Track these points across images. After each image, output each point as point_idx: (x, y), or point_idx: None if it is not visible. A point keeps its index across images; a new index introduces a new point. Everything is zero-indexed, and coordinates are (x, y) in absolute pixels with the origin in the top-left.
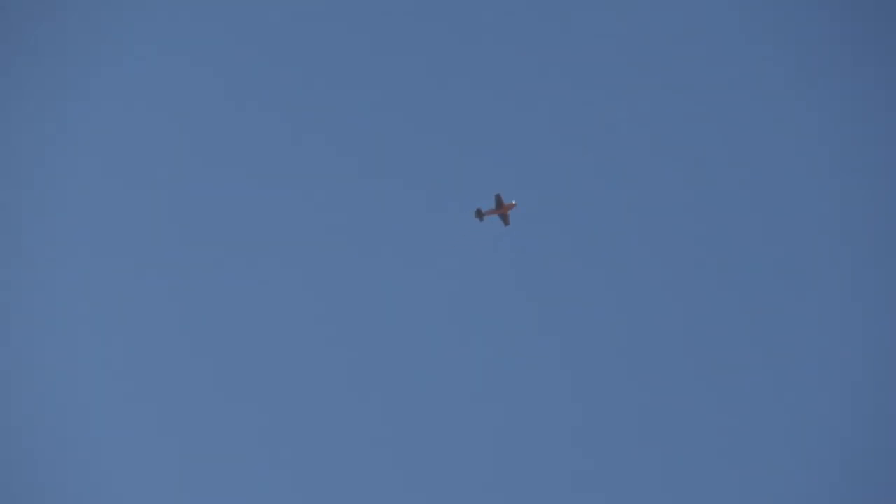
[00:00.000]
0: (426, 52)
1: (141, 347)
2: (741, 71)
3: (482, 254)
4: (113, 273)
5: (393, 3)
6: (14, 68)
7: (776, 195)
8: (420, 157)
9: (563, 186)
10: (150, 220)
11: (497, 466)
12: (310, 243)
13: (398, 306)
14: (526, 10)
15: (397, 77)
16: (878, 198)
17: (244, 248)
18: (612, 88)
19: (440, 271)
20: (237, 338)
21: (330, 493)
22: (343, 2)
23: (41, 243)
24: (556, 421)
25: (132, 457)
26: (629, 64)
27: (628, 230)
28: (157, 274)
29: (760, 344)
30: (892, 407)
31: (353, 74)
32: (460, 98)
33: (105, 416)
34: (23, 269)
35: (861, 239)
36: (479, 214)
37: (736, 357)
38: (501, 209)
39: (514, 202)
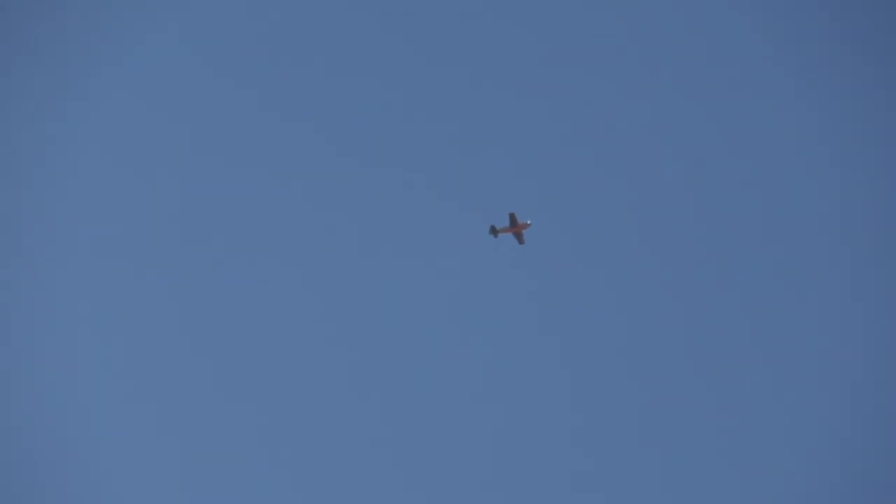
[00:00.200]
0: (427, 52)
1: (140, 347)
2: (742, 71)
3: (483, 253)
4: (113, 273)
5: (394, 3)
6: (14, 68)
7: (776, 195)
8: (420, 157)
9: (564, 186)
10: (149, 219)
11: (498, 466)
12: (310, 243)
13: (399, 306)
14: (526, 9)
15: (398, 77)
16: (878, 198)
17: (244, 248)
18: (612, 88)
19: (441, 271)
20: (237, 338)
21: (330, 493)
22: (347, 1)
23: (41, 243)
24: (557, 421)
25: (132, 457)
26: (630, 64)
27: (629, 230)
28: (156, 274)
29: (760, 344)
30: (892, 407)
31: (357, 74)
32: (461, 97)
33: (105, 415)
34: (23, 269)
35: (861, 239)
36: (494, 232)
37: (736, 357)
38: (516, 228)
39: (528, 222)
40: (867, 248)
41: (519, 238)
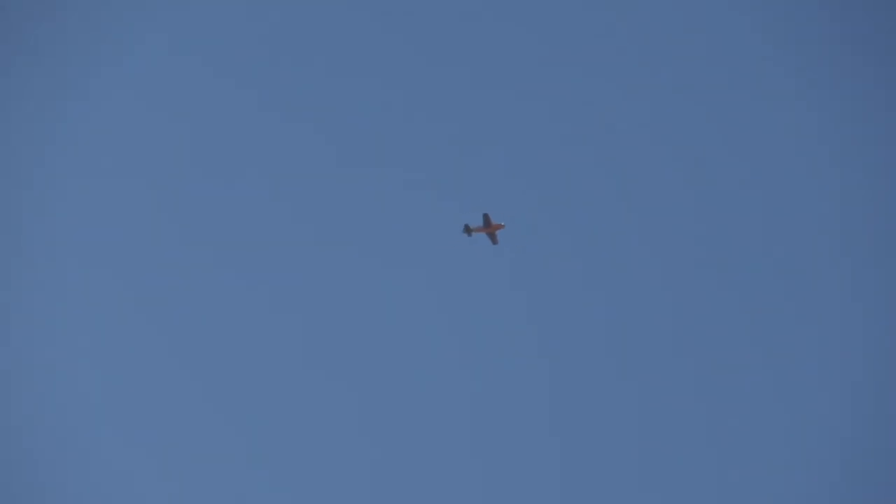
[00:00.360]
0: (425, 51)
1: (141, 347)
2: (742, 71)
3: (482, 254)
4: (113, 273)
5: (391, 2)
6: (14, 68)
7: (776, 195)
8: (419, 157)
9: (563, 186)
10: (150, 220)
11: (494, 468)
12: (308, 244)
13: (398, 306)
14: (526, 9)
15: (397, 77)
16: (878, 198)
17: (244, 249)
18: (611, 88)
19: (437, 271)
20: (237, 338)
21: (330, 493)
22: (345, 1)
23: (41, 243)
24: (556, 421)
25: (132, 457)
26: (629, 63)
27: (628, 230)
28: (157, 274)
29: (760, 344)
30: (892, 407)
31: (357, 74)
32: (459, 97)
33: (105, 416)
34: (23, 269)
35: (861, 239)
36: (468, 230)
37: (736, 357)
38: (489, 228)
39: (502, 224)
40: (867, 248)
41: (493, 238)
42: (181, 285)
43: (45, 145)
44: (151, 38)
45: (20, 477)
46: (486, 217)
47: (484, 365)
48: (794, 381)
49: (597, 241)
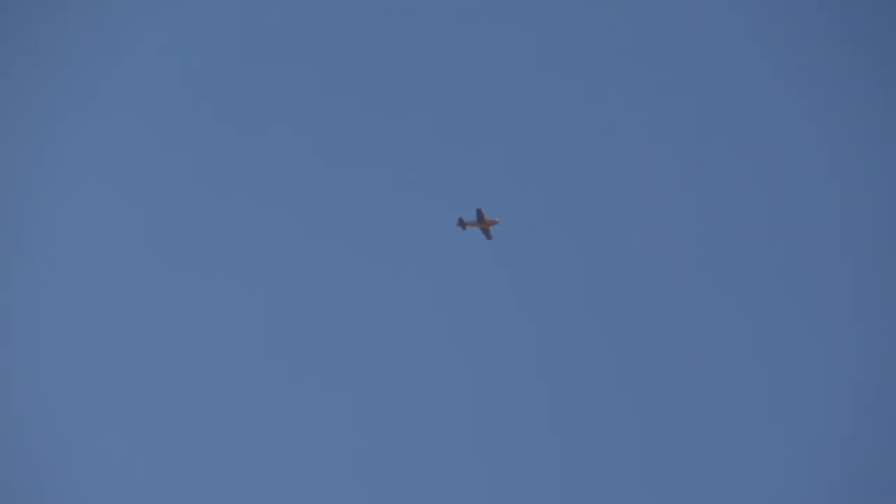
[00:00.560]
0: (420, 50)
1: (141, 347)
2: (741, 71)
3: (477, 254)
4: (113, 273)
5: (388, 1)
6: (14, 68)
7: (776, 195)
8: (416, 157)
9: (560, 185)
10: (150, 220)
11: (493, 468)
12: (308, 244)
13: (393, 306)
14: (525, 9)
15: (393, 76)
16: (878, 198)
17: (244, 250)
18: (611, 88)
19: (434, 271)
20: (236, 338)
21: (328, 493)
22: (341, 2)
23: (41, 243)
24: (555, 422)
25: (132, 457)
26: (629, 64)
27: (628, 230)
28: (157, 274)
29: (760, 344)
30: (892, 407)
31: (358, 75)
32: (457, 97)
33: (105, 416)
34: (23, 269)
35: (861, 239)
36: (462, 224)
37: (736, 357)
38: (482, 224)
39: (496, 220)
40: (867, 248)
41: (486, 234)
42: (181, 286)
43: (45, 145)
44: (151, 38)
45: (20, 477)
46: (479, 212)
47: (481, 365)
48: (794, 381)
49: (596, 241)
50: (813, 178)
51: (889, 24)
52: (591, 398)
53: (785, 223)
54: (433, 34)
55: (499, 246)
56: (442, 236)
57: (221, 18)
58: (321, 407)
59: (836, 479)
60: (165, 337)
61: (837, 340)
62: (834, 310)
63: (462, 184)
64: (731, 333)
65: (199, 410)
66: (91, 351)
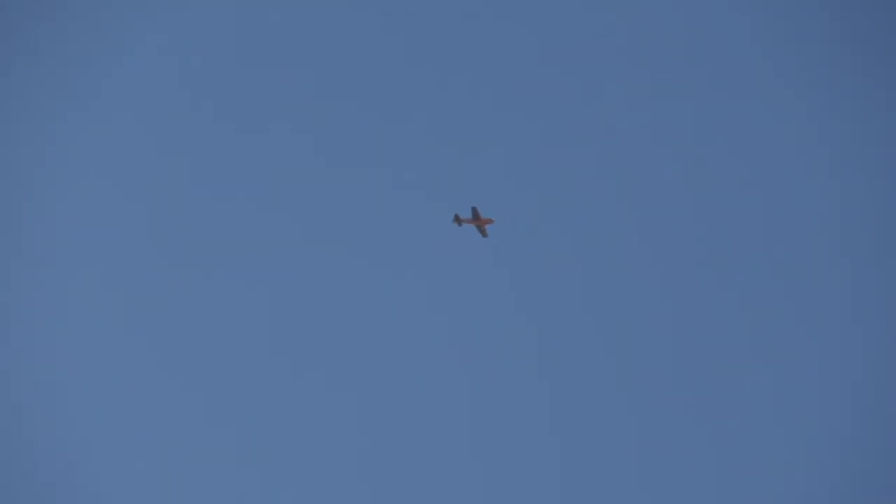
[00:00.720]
0: (418, 49)
1: (141, 347)
2: (741, 71)
3: (475, 254)
4: (113, 273)
5: (388, 1)
6: (14, 68)
7: (776, 195)
8: (414, 157)
9: (559, 186)
10: (150, 220)
11: (492, 467)
12: (308, 244)
13: (391, 306)
14: (525, 9)
15: (395, 77)
16: (878, 198)
17: (244, 250)
18: (611, 88)
19: (432, 271)
20: (237, 339)
21: (327, 493)
22: (341, 2)
23: (41, 243)
24: (555, 422)
25: (132, 457)
26: (629, 64)
27: (628, 230)
28: (157, 274)
29: (760, 344)
30: (892, 407)
31: (352, 78)
32: (453, 96)
33: (105, 416)
34: (23, 269)
35: (861, 239)
36: (458, 220)
37: (735, 357)
38: (478, 221)
39: (492, 219)
40: (867, 248)
41: (482, 231)
42: (181, 286)
43: (45, 145)
44: (151, 38)
45: (20, 477)
46: (474, 210)
47: (481, 364)
48: (794, 381)
49: (595, 241)
50: (813, 178)
51: (889, 24)
52: (591, 398)
53: (785, 223)
54: (433, 34)
55: (498, 246)
56: (442, 236)
57: (221, 18)
58: (321, 407)
59: (836, 479)
60: (165, 337)
61: (837, 340)
62: (834, 310)
63: (462, 184)
64: (731, 333)
65: (199, 410)
66: (91, 351)
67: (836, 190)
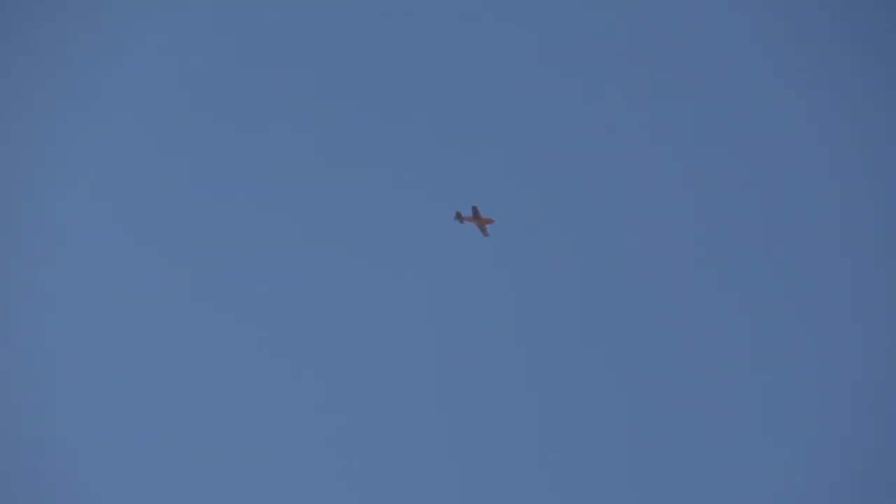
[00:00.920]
0: (418, 49)
1: (141, 347)
2: (741, 71)
3: (475, 254)
4: (113, 273)
5: (388, 1)
6: (14, 68)
7: (776, 195)
8: (418, 157)
9: (559, 186)
10: (150, 220)
11: (491, 467)
12: (308, 244)
13: (390, 306)
14: (525, 9)
15: (395, 77)
16: (878, 198)
17: (244, 250)
18: (611, 88)
19: (431, 271)
20: (237, 338)
21: (326, 492)
22: (341, 2)
23: (41, 243)
24: (554, 423)
25: (133, 457)
26: (629, 64)
27: (628, 230)
28: (157, 274)
29: (760, 344)
30: (892, 407)
31: (352, 78)
32: (453, 96)
33: (105, 416)
34: (23, 269)
35: (861, 239)
36: (459, 218)
37: (735, 357)
38: (478, 220)
39: (492, 219)
40: (867, 248)
41: (483, 230)
42: (181, 286)
43: (45, 145)
44: (151, 38)
45: (20, 477)
46: (474, 209)
47: (481, 364)
48: (793, 381)
49: (595, 241)
50: (813, 178)
51: (889, 24)
52: (591, 398)
53: (785, 223)
54: (433, 34)
55: (498, 246)
56: (442, 236)
57: (221, 18)
58: (321, 407)
59: (836, 479)
60: (165, 336)
61: (837, 340)
62: (834, 310)
63: (462, 184)
64: (731, 333)
65: (199, 410)
66: (91, 350)
67: (836, 190)
